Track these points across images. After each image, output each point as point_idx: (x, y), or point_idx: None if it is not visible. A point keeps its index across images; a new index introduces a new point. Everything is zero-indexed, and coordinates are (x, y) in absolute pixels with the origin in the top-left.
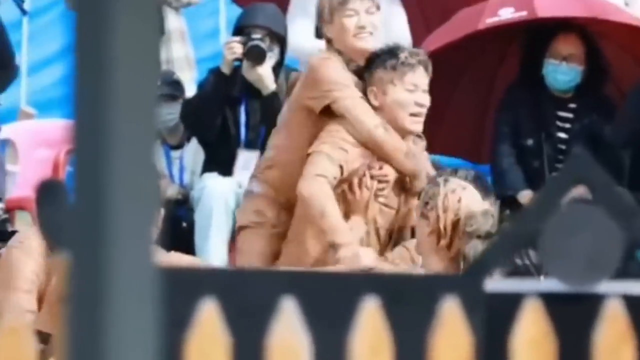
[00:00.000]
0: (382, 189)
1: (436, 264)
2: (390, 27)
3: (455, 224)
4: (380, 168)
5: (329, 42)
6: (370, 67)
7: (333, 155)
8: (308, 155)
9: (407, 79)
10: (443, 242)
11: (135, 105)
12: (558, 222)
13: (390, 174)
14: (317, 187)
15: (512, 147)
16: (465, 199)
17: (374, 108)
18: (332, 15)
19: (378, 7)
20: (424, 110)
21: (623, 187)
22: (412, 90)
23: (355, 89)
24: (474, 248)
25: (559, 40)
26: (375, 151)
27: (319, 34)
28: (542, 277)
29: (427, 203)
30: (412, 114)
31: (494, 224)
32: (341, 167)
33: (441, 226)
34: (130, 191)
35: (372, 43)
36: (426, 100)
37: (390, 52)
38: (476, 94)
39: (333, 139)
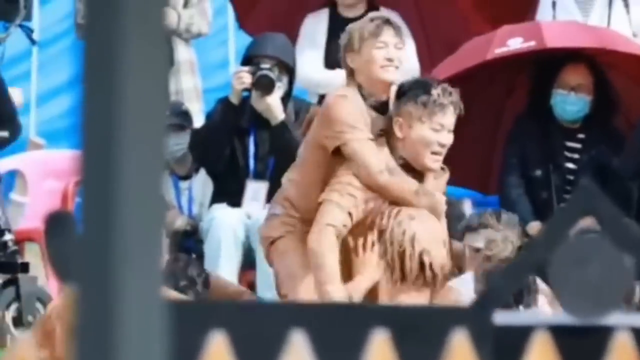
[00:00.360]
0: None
1: (404, 298)
2: None
3: (402, 255)
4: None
5: (351, 73)
6: (400, 98)
7: (342, 203)
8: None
9: (435, 118)
10: (395, 275)
11: (144, 136)
12: (566, 254)
13: None
14: (322, 238)
15: (521, 178)
16: (411, 230)
17: (397, 139)
18: (361, 45)
19: (404, 44)
20: (445, 150)
21: (631, 218)
22: (438, 130)
23: (365, 131)
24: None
25: (567, 70)
26: (382, 195)
27: (328, 64)
28: (520, 308)
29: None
30: (434, 152)
31: (513, 249)
32: (350, 214)
33: (388, 259)
34: (139, 222)
35: (396, 77)
36: (450, 140)
37: (424, 87)
38: (485, 124)
39: (342, 185)
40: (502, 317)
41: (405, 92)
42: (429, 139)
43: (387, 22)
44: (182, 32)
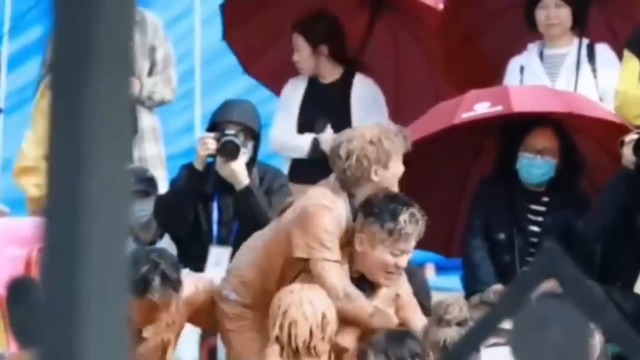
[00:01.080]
0: None
1: None
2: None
3: (273, 326)
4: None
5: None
6: (366, 215)
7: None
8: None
9: (398, 245)
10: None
11: (108, 203)
12: (527, 316)
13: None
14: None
15: (484, 241)
16: (285, 304)
17: (357, 252)
18: (362, 177)
19: None
20: (401, 271)
21: (594, 281)
22: (397, 255)
23: (335, 252)
24: (450, 336)
25: (534, 134)
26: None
27: (300, 129)
28: None
29: None
30: (389, 272)
31: (466, 312)
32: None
33: (273, 336)
34: (103, 288)
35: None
36: (406, 263)
37: (392, 212)
38: (451, 187)
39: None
40: None
41: (373, 210)
42: (388, 262)
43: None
44: (145, 100)
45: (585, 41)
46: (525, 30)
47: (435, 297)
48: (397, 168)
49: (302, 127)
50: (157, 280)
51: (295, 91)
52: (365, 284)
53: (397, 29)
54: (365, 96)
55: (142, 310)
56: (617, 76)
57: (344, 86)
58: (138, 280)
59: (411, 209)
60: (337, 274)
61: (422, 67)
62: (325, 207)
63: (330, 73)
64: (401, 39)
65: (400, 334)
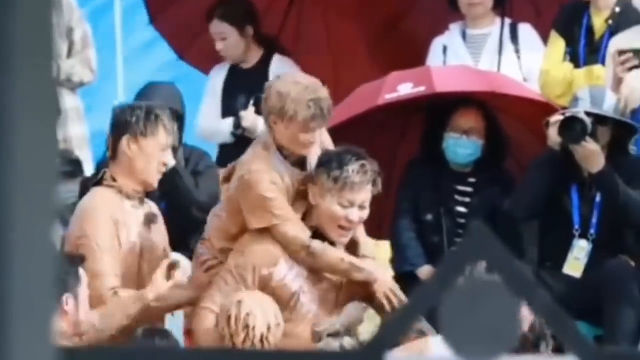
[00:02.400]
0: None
1: None
2: None
3: (229, 320)
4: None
5: (271, 131)
6: (317, 166)
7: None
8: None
9: (345, 195)
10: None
11: (35, 186)
12: (456, 297)
13: None
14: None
15: (412, 222)
16: (239, 296)
17: (312, 206)
18: (292, 121)
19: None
20: (355, 226)
21: (523, 261)
22: (346, 207)
23: (286, 207)
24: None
25: (459, 114)
26: (310, 263)
27: (225, 115)
28: None
29: None
30: (341, 227)
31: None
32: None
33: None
34: (29, 272)
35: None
36: (360, 217)
37: (340, 162)
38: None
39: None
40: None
41: (323, 162)
42: (337, 214)
43: (323, 114)
44: (64, 82)
45: (508, 21)
46: (449, 10)
47: None
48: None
49: (226, 113)
50: None
51: (217, 78)
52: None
53: (322, 6)
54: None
55: None
56: (540, 57)
57: (263, 68)
58: None
59: (362, 161)
60: (298, 225)
61: (355, 39)
62: (259, 172)
63: (254, 57)
64: (330, 15)
65: None
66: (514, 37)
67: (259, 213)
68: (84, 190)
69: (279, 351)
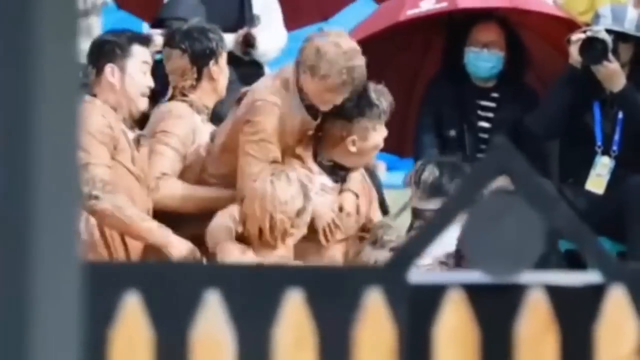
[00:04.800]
0: None
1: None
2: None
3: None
4: None
5: (297, 81)
6: (346, 116)
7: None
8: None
9: (380, 122)
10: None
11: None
12: (479, 213)
13: None
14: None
15: (435, 138)
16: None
17: (352, 153)
18: (326, 79)
19: None
20: None
21: (545, 177)
22: (378, 132)
23: (275, 150)
24: (382, 258)
25: (478, 28)
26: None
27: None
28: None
29: None
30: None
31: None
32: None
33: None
34: (52, 183)
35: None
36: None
37: (367, 100)
38: (400, 86)
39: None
40: (416, 276)
41: (350, 110)
42: (379, 143)
43: (353, 83)
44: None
45: None
46: None
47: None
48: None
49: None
50: None
51: None
52: (338, 170)
53: None
54: None
55: None
56: None
57: None
58: None
59: (374, 85)
60: (255, 171)
61: None
62: (274, 105)
63: None
64: None
65: None
66: None
67: (257, 139)
68: None
69: (302, 267)
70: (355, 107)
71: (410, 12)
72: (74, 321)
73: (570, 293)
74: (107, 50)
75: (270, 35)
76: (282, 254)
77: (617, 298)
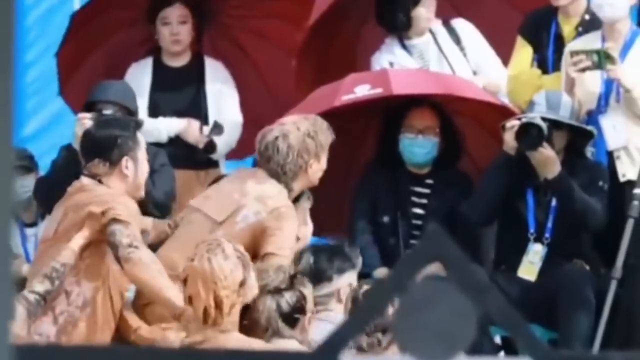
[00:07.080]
0: None
1: None
2: (222, 108)
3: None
4: None
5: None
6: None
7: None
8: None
9: None
10: None
11: None
12: (411, 298)
13: None
14: None
15: (369, 224)
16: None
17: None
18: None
19: None
20: None
21: (478, 264)
22: None
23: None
24: (264, 303)
25: (413, 114)
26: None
27: (152, 113)
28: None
29: None
30: None
31: (284, 279)
32: None
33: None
34: None
35: None
36: None
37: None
38: (336, 172)
39: None
40: None
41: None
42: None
43: None
44: None
45: (439, 23)
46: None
47: None
48: (324, 161)
49: (152, 112)
50: None
51: (141, 74)
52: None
53: (222, 41)
54: (219, 78)
55: None
56: (482, 45)
57: (196, 70)
58: None
59: None
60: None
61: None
62: (291, 208)
63: (184, 56)
64: (229, 53)
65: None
66: (453, 35)
67: (285, 244)
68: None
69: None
70: None
71: (345, 98)
72: None
73: None
74: (121, 144)
75: (227, 138)
76: (238, 337)
77: None
